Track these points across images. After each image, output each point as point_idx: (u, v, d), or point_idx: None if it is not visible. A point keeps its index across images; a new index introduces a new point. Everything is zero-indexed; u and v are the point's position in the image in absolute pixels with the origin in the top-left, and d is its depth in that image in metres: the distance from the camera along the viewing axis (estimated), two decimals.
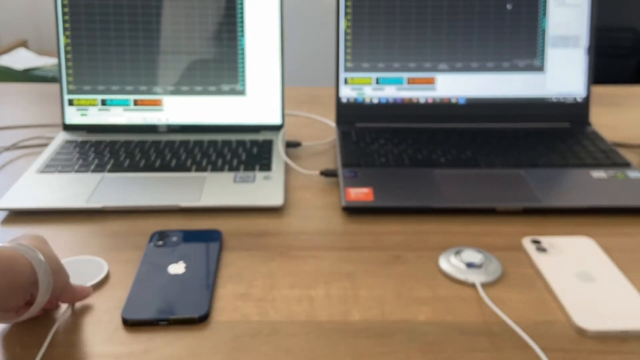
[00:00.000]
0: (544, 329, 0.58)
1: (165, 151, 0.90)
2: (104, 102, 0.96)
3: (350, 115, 0.99)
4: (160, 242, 0.69)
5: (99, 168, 0.85)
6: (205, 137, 0.94)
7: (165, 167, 0.86)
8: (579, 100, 1.00)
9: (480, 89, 0.99)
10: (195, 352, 0.54)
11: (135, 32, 0.94)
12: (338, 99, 0.99)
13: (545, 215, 0.77)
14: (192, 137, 0.94)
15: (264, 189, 0.81)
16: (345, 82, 0.98)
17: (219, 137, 0.95)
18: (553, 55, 0.98)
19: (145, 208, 0.77)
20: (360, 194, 0.79)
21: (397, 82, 0.98)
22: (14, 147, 0.96)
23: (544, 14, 0.97)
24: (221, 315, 0.59)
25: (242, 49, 0.95)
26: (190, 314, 0.58)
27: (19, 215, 0.76)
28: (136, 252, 0.68)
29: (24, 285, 0.52)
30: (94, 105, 0.96)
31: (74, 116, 0.97)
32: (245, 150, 0.91)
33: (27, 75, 2.16)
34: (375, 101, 0.99)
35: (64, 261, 0.65)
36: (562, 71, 0.99)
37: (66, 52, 0.95)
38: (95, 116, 0.96)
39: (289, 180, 0.86)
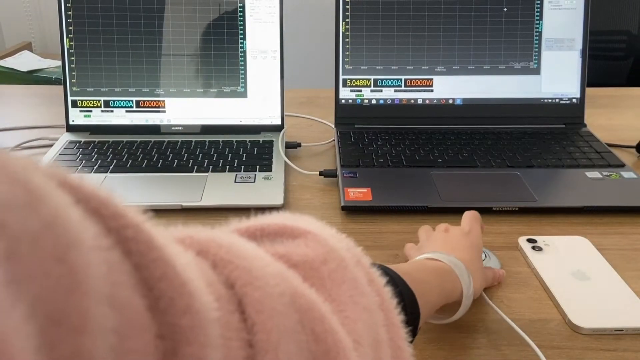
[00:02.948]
0: (540, 327, 0.58)
1: (167, 152, 0.91)
2: (107, 104, 0.97)
3: (349, 117, 1.00)
4: None
5: (102, 168, 0.86)
6: (207, 138, 0.95)
7: (167, 168, 0.87)
8: (574, 101, 1.01)
9: (477, 90, 1.00)
10: None
11: (137, 34, 0.95)
12: (337, 100, 1.00)
13: (540, 214, 0.78)
14: (193, 138, 0.95)
15: (264, 189, 0.82)
16: (344, 84, 0.99)
17: (220, 138, 0.96)
18: (548, 57, 0.99)
19: (147, 207, 0.78)
20: (359, 193, 0.80)
21: (395, 84, 0.99)
22: (19, 147, 0.96)
23: (540, 17, 0.98)
24: None
25: (243, 52, 0.96)
26: None
27: None
28: None
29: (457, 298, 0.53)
30: (97, 106, 0.97)
31: (77, 117, 0.98)
32: (245, 151, 0.92)
33: (32, 77, 2.15)
34: (374, 102, 1.00)
35: None
36: (557, 73, 1.00)
37: (70, 55, 0.96)
38: (99, 117, 0.97)
39: (289, 181, 0.87)
